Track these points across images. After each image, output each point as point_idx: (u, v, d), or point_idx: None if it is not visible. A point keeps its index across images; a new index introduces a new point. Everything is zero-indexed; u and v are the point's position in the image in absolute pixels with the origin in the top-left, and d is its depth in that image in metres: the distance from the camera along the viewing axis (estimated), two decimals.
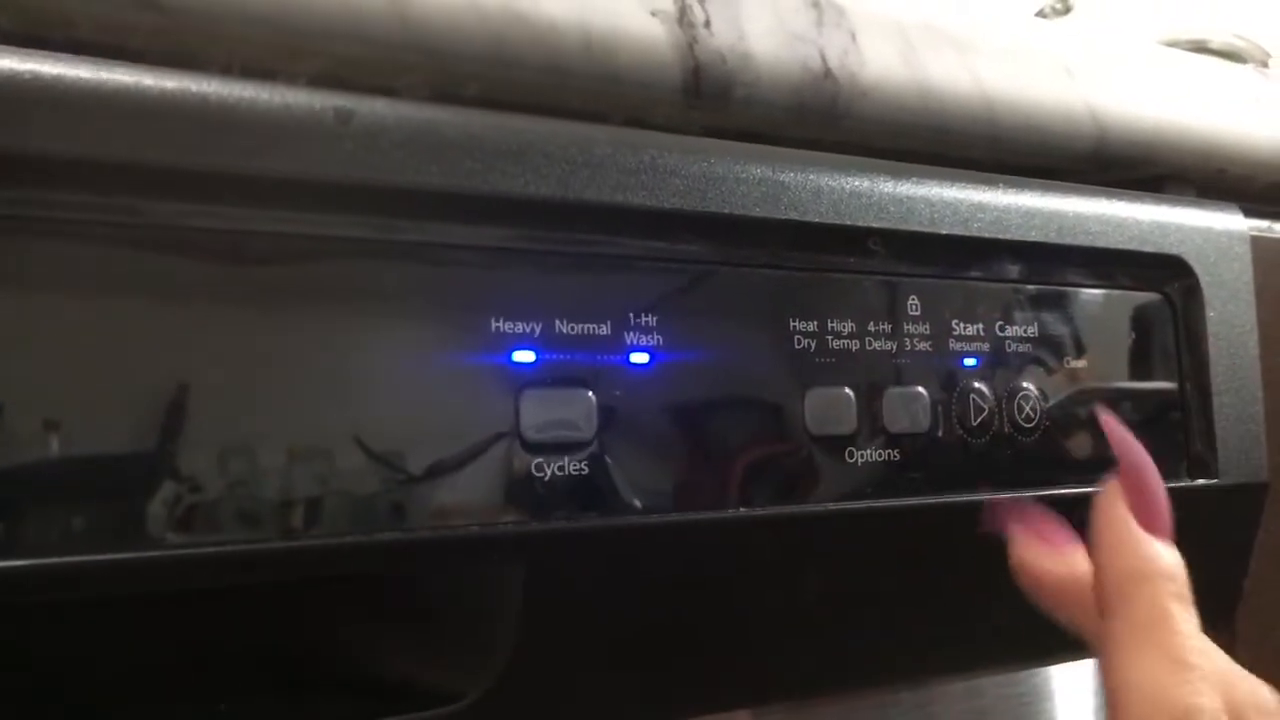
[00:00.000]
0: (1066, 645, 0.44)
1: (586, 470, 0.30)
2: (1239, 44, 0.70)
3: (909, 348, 0.36)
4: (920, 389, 0.36)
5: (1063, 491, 0.38)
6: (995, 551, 0.39)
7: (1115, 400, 0.40)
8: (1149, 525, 0.31)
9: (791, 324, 0.34)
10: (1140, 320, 0.42)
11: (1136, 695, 0.28)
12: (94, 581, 0.25)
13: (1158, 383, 0.42)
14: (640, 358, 0.31)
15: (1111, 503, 0.31)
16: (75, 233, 0.24)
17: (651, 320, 0.31)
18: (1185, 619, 0.29)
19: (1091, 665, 0.52)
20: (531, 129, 0.30)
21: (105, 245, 0.25)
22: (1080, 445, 0.39)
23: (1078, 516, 0.33)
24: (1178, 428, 0.42)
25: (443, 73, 0.33)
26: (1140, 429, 0.41)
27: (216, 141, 0.26)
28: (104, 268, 0.25)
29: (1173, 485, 0.41)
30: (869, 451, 0.35)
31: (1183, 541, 0.43)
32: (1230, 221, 0.44)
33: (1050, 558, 0.33)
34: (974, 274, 0.38)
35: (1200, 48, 0.66)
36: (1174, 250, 0.42)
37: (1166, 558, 0.30)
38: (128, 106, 0.25)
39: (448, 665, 0.30)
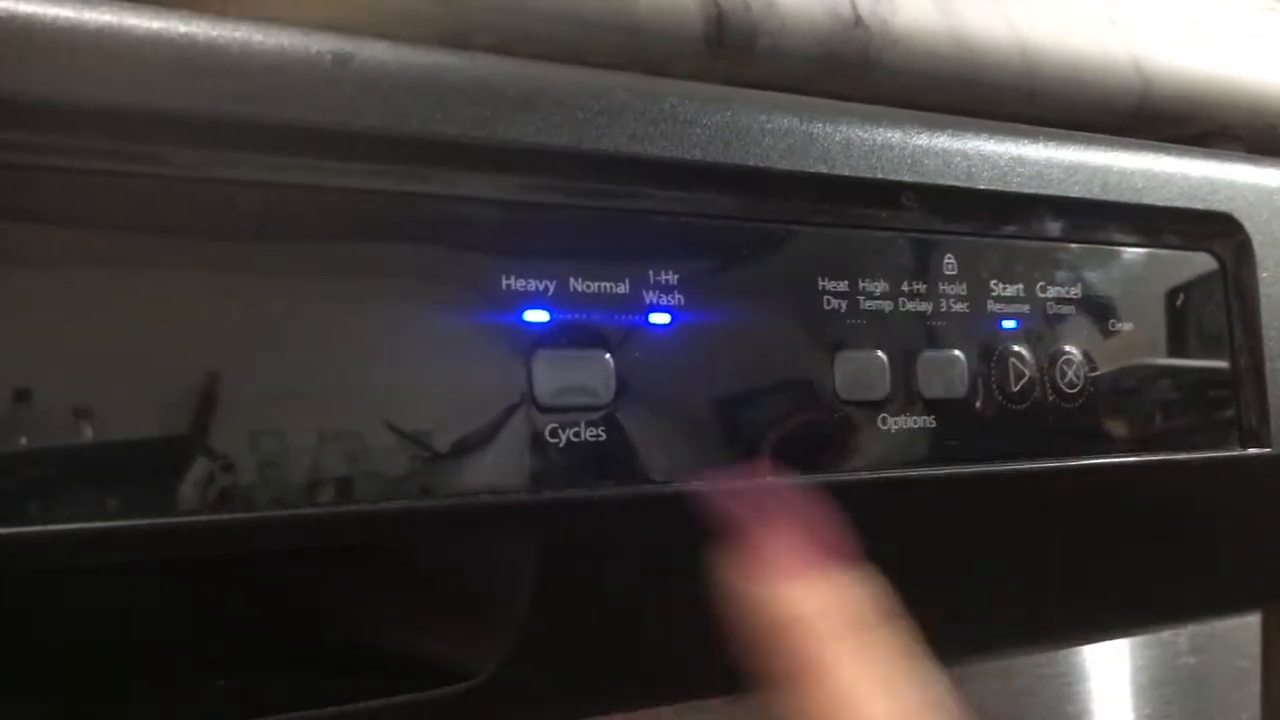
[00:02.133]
0: (1105, 624, 0.42)
1: (603, 436, 0.28)
2: None
3: (945, 309, 0.34)
4: (957, 353, 0.34)
5: (1108, 460, 0.36)
6: (1035, 525, 0.37)
7: (1162, 366, 0.38)
8: (778, 570, 0.27)
9: (820, 283, 0.32)
10: (1188, 281, 0.40)
11: None
12: (120, 547, 0.23)
13: (1207, 347, 0.40)
14: (660, 318, 0.29)
15: (724, 570, 0.28)
16: (44, 179, 0.23)
17: (672, 278, 0.30)
18: (844, 663, 0.26)
19: (1128, 645, 0.51)
20: (543, 75, 0.29)
21: (79, 194, 0.23)
22: (1127, 413, 0.37)
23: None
24: (1228, 394, 0.40)
25: (452, 20, 0.32)
26: (1188, 396, 0.39)
27: (207, 85, 0.24)
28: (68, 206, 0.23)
29: (1222, 454, 0.39)
30: (903, 418, 0.33)
31: (1233, 513, 0.41)
32: None
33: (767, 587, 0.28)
34: (1013, 231, 0.36)
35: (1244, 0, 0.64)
36: (1224, 207, 0.40)
37: (804, 601, 0.27)
38: (109, 47, 0.23)
39: (458, 641, 0.28)
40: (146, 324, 0.24)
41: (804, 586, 0.27)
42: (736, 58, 0.36)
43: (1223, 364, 0.40)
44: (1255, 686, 0.50)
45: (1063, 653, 0.47)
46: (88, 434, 0.23)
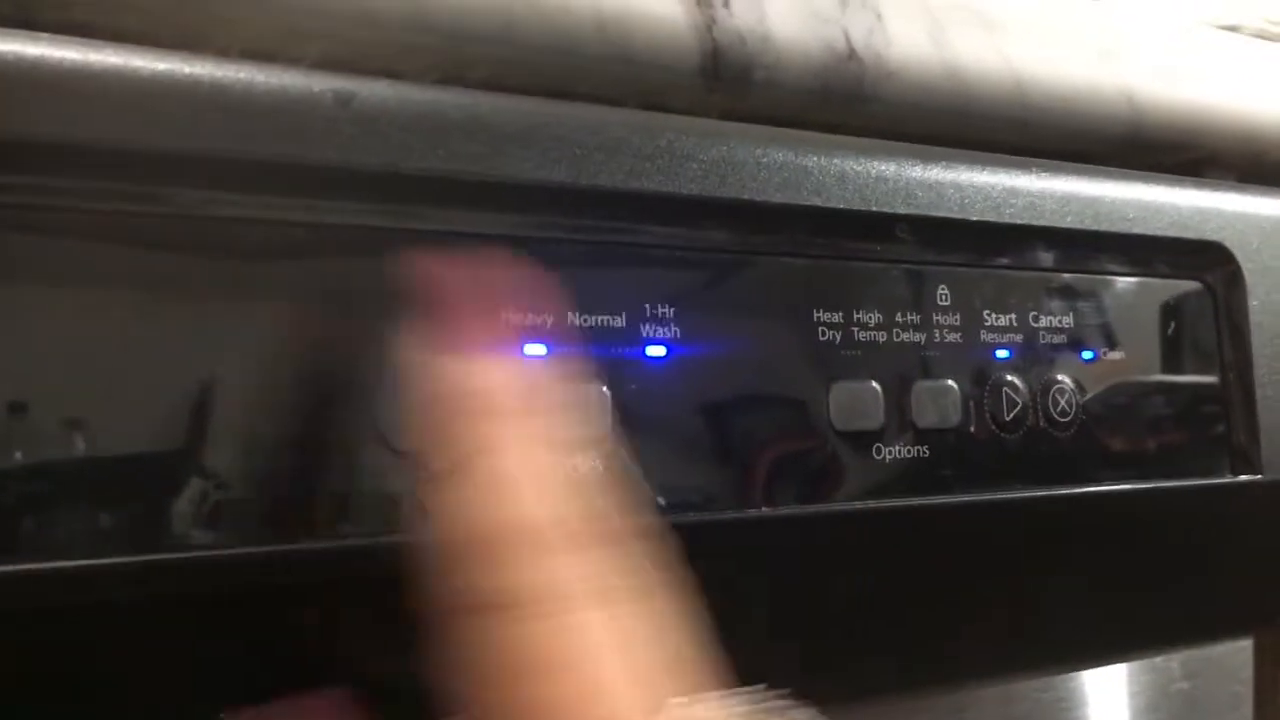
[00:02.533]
0: (1104, 649, 0.42)
1: (600, 468, 0.28)
2: (1272, 28, 0.68)
3: (938, 339, 0.34)
4: (950, 382, 0.34)
5: (1100, 489, 0.37)
6: (1029, 553, 0.37)
7: (1154, 393, 0.39)
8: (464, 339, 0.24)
9: (815, 315, 0.32)
10: (1180, 310, 0.40)
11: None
12: (116, 584, 0.24)
13: (1198, 375, 0.40)
14: (657, 350, 0.30)
15: (405, 341, 0.24)
16: (48, 220, 0.23)
17: (668, 311, 0.30)
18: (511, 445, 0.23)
19: (1125, 670, 0.51)
20: (541, 111, 0.29)
21: (84, 233, 0.24)
22: (1118, 441, 0.37)
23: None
24: (1219, 421, 0.40)
25: (449, 55, 0.32)
26: (1180, 422, 0.39)
27: (210, 125, 0.25)
28: (81, 255, 0.24)
29: (1214, 481, 0.40)
30: (897, 448, 0.33)
31: (1225, 538, 0.41)
32: (1273, 207, 0.42)
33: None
34: (1006, 262, 0.36)
35: (1233, 31, 0.64)
36: (1214, 236, 0.41)
37: (476, 377, 0.24)
38: (116, 88, 0.24)
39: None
40: (137, 358, 0.24)
41: (488, 362, 0.24)
42: (732, 90, 0.37)
43: (1214, 392, 0.40)
44: (1248, 710, 0.51)
45: (1060, 678, 0.47)
46: (78, 454, 0.23)
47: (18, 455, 0.23)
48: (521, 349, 0.28)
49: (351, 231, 0.26)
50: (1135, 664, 0.49)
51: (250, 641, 0.28)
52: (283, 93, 0.26)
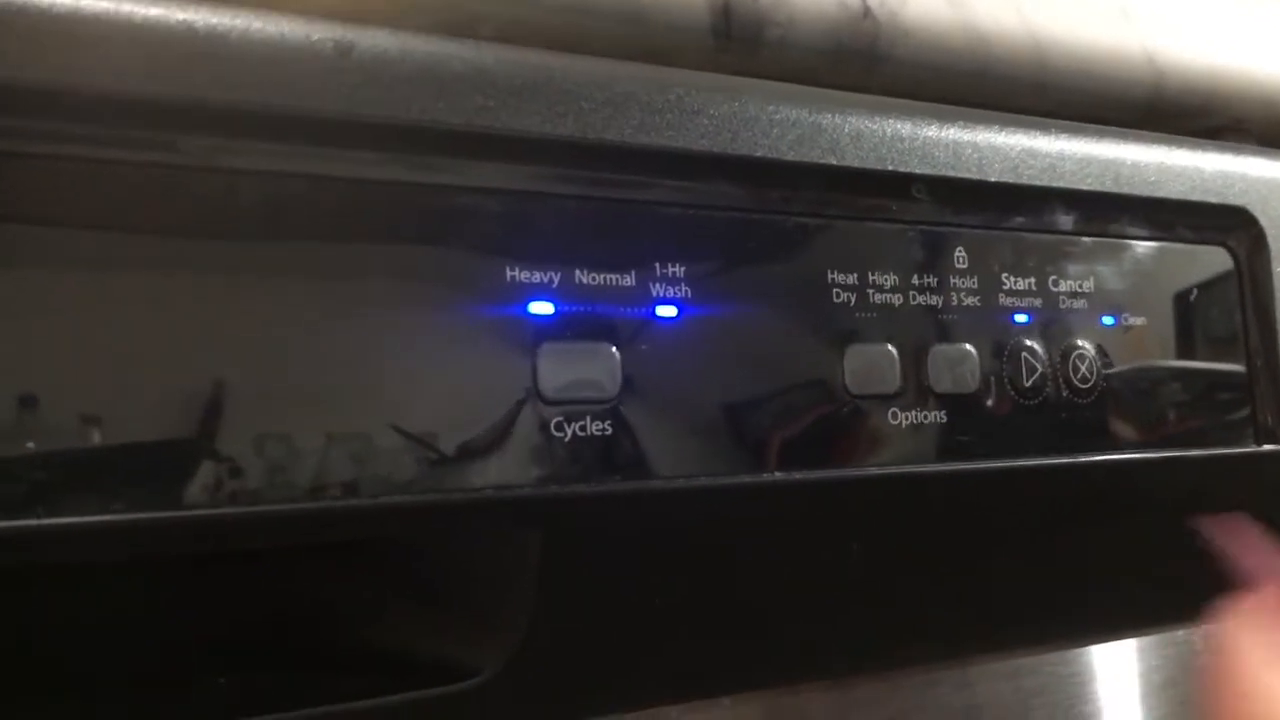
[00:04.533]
0: (1113, 624, 0.41)
1: (609, 431, 0.28)
2: None
3: (956, 303, 0.34)
4: (968, 347, 0.33)
5: (1121, 457, 0.36)
6: (1046, 522, 0.36)
7: (1176, 360, 0.38)
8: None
9: (830, 276, 0.32)
10: (1202, 275, 0.39)
11: None
12: (124, 542, 0.23)
13: (1221, 342, 0.39)
14: (667, 311, 0.29)
15: (1235, 633, 0.24)
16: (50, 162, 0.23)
17: (679, 270, 0.29)
18: None
19: (1139, 645, 0.50)
20: (548, 64, 0.28)
21: (75, 178, 0.23)
22: (1140, 409, 0.37)
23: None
24: (1242, 389, 0.39)
25: (456, 10, 0.31)
26: (1202, 392, 0.39)
27: (205, 73, 0.24)
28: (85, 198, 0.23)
29: (1237, 451, 0.39)
30: (913, 413, 0.32)
31: (1247, 509, 0.40)
32: None
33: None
34: (1025, 224, 0.36)
35: None
36: (1238, 200, 0.39)
37: None
38: (110, 34, 0.23)
39: (461, 640, 0.28)
40: (144, 322, 0.23)
41: None
42: (743, 50, 0.36)
43: (1237, 359, 0.39)
44: None
45: (1074, 652, 0.46)
46: (94, 436, 0.23)
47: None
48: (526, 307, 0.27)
49: (350, 185, 0.26)
50: (1155, 638, 0.49)
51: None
52: (281, 41, 0.25)
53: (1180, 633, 0.49)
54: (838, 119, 0.32)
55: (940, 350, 0.33)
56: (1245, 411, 0.39)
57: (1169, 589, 0.39)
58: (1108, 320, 0.36)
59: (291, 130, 0.25)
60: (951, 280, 0.34)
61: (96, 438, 0.23)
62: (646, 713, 0.31)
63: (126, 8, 0.23)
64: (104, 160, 0.23)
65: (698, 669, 0.30)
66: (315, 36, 0.25)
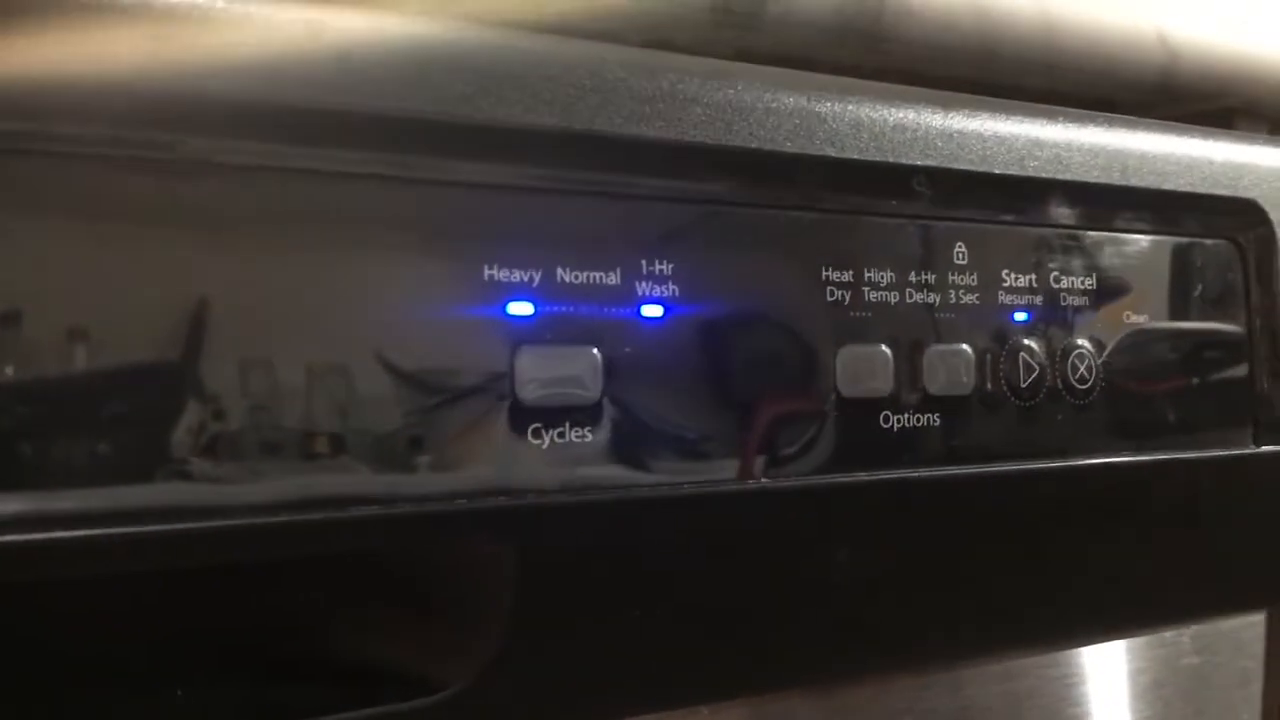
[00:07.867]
0: (1111, 625, 0.41)
1: (590, 437, 0.27)
2: None
3: (954, 300, 0.32)
4: (965, 346, 0.32)
5: (1119, 459, 0.35)
6: (1041, 526, 0.35)
7: (1178, 359, 0.37)
8: None
9: (824, 273, 0.30)
10: (1208, 270, 0.38)
11: None
12: (81, 559, 0.22)
13: (1224, 341, 0.38)
14: (653, 310, 0.28)
15: None
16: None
17: (666, 268, 0.28)
18: None
19: (1128, 646, 0.50)
20: (532, 49, 0.27)
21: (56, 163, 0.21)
22: (1139, 409, 0.36)
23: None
24: (1247, 389, 0.38)
25: None
26: (1204, 392, 0.37)
27: (177, 59, 0.22)
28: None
29: (1237, 452, 0.38)
30: (906, 416, 0.31)
31: (1245, 511, 0.40)
32: None
33: None
34: (1027, 218, 0.34)
35: None
36: (1247, 193, 0.38)
37: None
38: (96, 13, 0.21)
39: (430, 653, 0.27)
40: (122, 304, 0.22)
41: None
42: (744, 26, 0.34)
43: (1240, 358, 0.38)
44: (1258, 687, 0.49)
45: (1064, 655, 0.46)
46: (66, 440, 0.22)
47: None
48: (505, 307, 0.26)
49: (321, 178, 0.24)
50: (1146, 639, 0.48)
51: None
52: (247, 21, 0.23)
53: (1168, 634, 0.49)
54: (837, 108, 0.30)
55: (936, 350, 0.32)
56: (1246, 412, 0.38)
57: (1165, 590, 0.39)
58: (1109, 318, 0.35)
59: (256, 121, 0.23)
60: (950, 277, 0.32)
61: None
62: None
63: None
64: (84, 155, 0.22)
65: (679, 681, 0.29)
66: (283, 19, 0.24)
